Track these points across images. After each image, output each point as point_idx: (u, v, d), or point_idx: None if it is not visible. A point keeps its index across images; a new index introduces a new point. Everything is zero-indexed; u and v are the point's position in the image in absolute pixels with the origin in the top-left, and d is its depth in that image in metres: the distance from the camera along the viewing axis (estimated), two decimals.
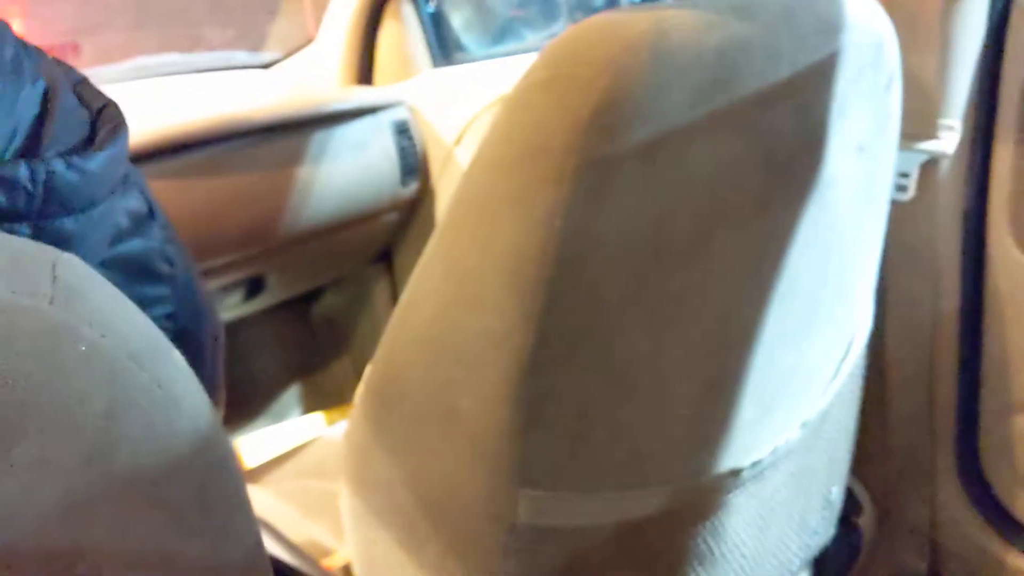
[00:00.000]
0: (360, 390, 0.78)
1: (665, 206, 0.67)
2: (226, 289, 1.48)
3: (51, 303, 0.32)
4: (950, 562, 1.12)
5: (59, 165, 0.47)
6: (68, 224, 0.48)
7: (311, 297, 1.89)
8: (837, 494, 1.04)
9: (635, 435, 0.75)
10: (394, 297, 1.82)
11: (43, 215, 0.47)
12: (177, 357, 0.38)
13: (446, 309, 0.69)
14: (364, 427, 0.76)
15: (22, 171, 0.45)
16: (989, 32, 0.99)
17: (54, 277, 0.33)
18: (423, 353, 0.72)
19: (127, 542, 0.35)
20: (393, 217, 1.64)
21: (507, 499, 0.71)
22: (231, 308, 1.55)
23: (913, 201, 1.00)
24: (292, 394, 1.87)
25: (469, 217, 0.68)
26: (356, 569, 0.84)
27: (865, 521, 1.11)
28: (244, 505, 0.41)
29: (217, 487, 0.39)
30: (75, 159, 0.48)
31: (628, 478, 0.76)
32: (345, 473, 0.81)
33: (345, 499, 0.82)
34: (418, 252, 0.74)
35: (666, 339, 0.73)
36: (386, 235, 1.69)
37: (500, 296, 0.66)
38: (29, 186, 0.45)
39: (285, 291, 1.64)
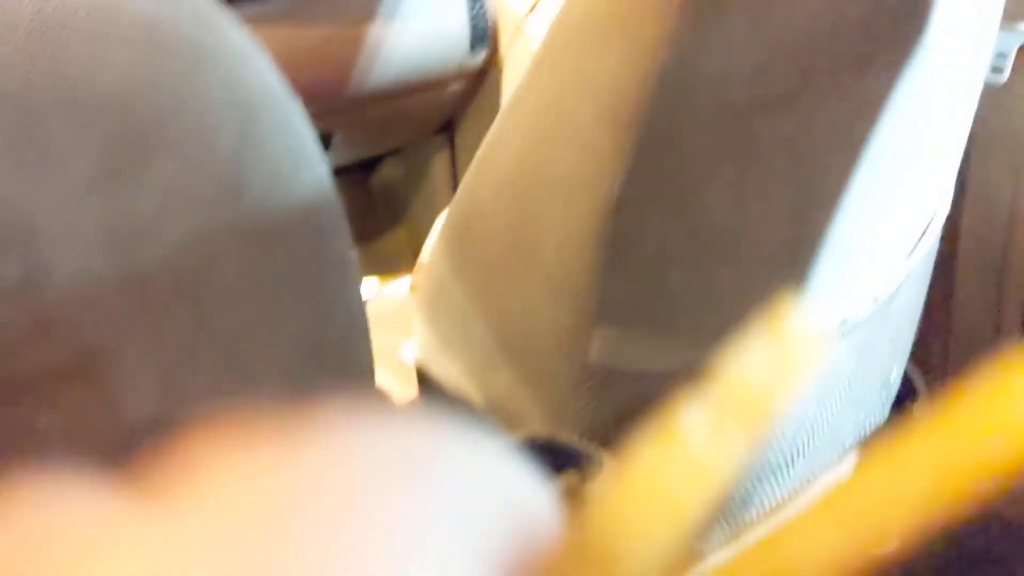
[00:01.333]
0: (441, 225, 0.79)
1: (768, 51, 0.66)
2: None
3: (192, 23, 0.32)
4: None
5: None
6: None
7: (371, 166, 1.89)
8: (896, 376, 1.04)
9: (708, 284, 0.75)
10: (454, 170, 1.81)
11: None
12: (299, 109, 0.38)
13: (536, 145, 0.69)
14: (442, 260, 0.77)
15: None
16: None
17: None
18: (508, 190, 0.72)
19: (246, 288, 0.36)
20: (458, 87, 1.63)
21: (582, 336, 0.71)
22: None
23: (1007, 86, 0.97)
24: None
25: (567, 48, 0.67)
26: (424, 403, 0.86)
27: (920, 407, 1.11)
28: (354, 270, 0.42)
29: (332, 246, 0.39)
30: None
31: (700, 325, 0.76)
32: (419, 304, 0.82)
33: (417, 331, 0.83)
34: (481, 126, 0.74)
35: (752, 192, 0.73)
36: (450, 105, 1.67)
37: (594, 132, 0.65)
38: None
39: (349, 153, 1.64)
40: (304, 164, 0.36)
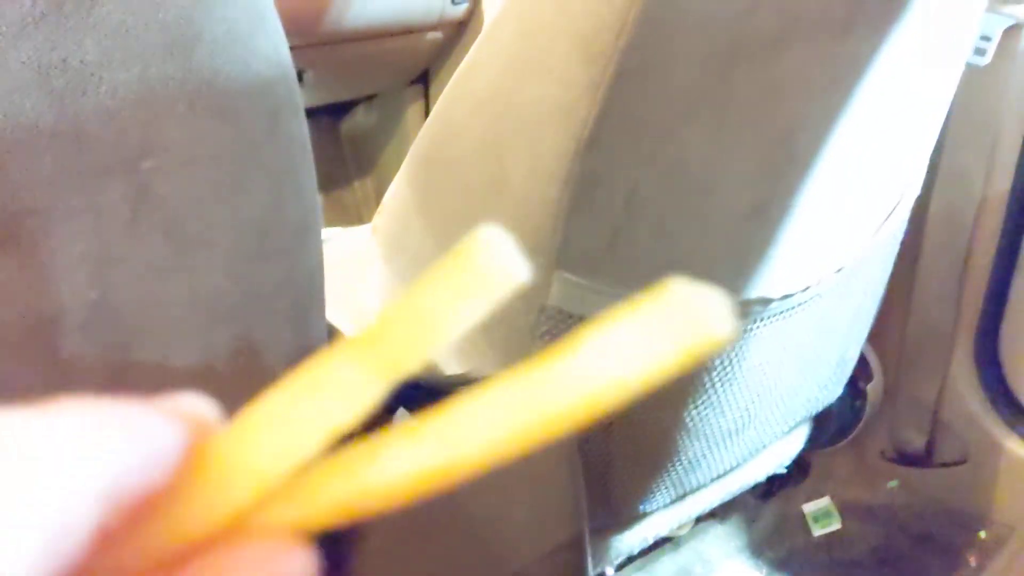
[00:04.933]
0: (409, 155, 0.77)
1: None
2: None
3: None
4: (948, 440, 1.13)
5: None
6: None
7: (342, 111, 1.86)
8: (853, 355, 1.03)
9: (675, 239, 0.74)
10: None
11: None
12: None
13: (511, 74, 0.67)
14: (407, 193, 0.75)
15: None
16: None
17: None
18: (480, 118, 0.70)
19: (196, 152, 0.34)
20: (437, 36, 1.60)
21: (542, 279, 0.70)
22: None
23: (988, 68, 0.96)
24: None
25: None
26: None
27: (873, 388, 1.11)
28: (308, 162, 0.40)
29: (287, 126, 0.37)
30: None
31: (660, 282, 0.75)
32: (380, 240, 0.80)
33: (376, 267, 0.81)
34: None
35: (726, 143, 0.71)
36: (427, 54, 1.65)
37: (569, 63, 0.63)
38: None
39: (321, 93, 1.61)
40: (263, 31, 0.34)
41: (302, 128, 0.39)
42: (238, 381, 0.40)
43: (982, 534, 1.10)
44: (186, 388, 0.40)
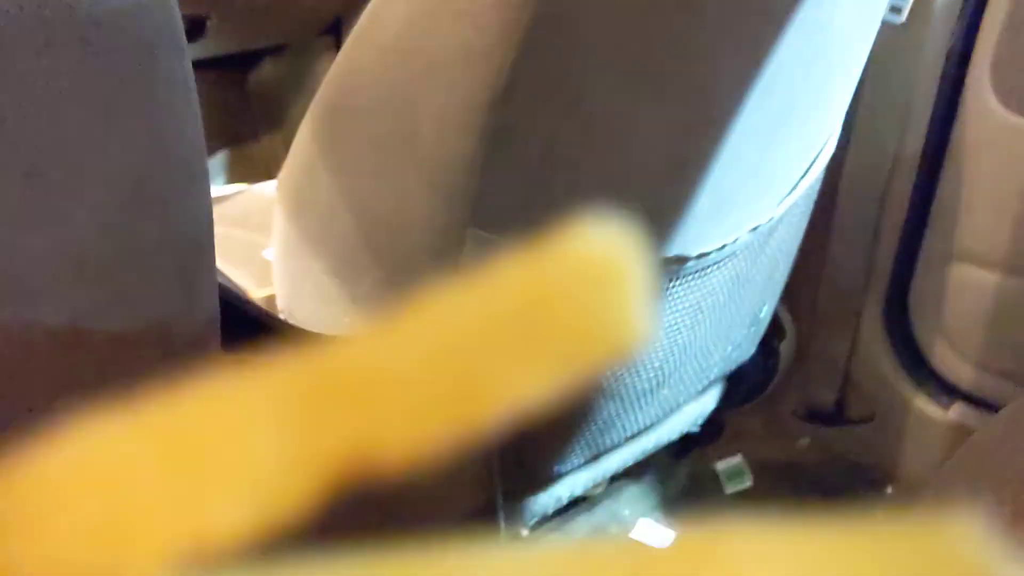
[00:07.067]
0: (312, 105, 0.72)
1: None
2: None
3: None
4: (858, 398, 1.14)
5: None
6: None
7: (249, 62, 1.78)
8: (766, 314, 1.03)
9: (592, 196, 0.72)
10: None
11: None
12: None
13: (422, 17, 0.63)
14: (312, 145, 0.71)
15: None
16: None
17: None
18: (389, 66, 0.66)
19: (55, 87, 0.30)
20: None
21: (455, 235, 0.67)
22: None
23: (903, 27, 0.96)
24: (216, 162, 1.79)
25: None
26: (281, 302, 0.80)
27: (785, 347, 1.12)
28: (191, 96, 0.36)
29: (165, 60, 0.33)
30: None
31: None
32: (283, 196, 0.76)
33: (279, 226, 0.77)
34: None
35: (642, 96, 0.69)
36: (339, 2, 1.59)
37: (484, 6, 0.60)
38: None
39: (226, 42, 1.54)
40: None
41: (184, 64, 0.35)
42: (112, 347, 0.36)
43: (889, 490, 1.12)
44: (52, 353, 0.36)
